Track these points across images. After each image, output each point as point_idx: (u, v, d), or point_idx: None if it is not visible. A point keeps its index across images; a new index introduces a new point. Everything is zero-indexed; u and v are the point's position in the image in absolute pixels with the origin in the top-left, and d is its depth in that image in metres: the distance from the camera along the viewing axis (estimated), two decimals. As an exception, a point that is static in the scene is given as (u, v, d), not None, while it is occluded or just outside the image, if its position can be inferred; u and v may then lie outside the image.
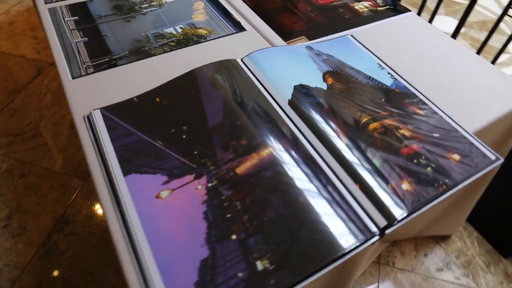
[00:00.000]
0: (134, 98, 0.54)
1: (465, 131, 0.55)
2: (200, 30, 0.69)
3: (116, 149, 0.48)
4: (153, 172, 0.46)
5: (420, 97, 0.60)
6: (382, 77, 0.63)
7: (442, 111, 0.58)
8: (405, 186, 0.46)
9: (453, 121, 0.57)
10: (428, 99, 0.60)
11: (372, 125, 0.53)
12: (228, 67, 0.58)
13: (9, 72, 1.52)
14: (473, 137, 0.54)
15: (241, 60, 0.61)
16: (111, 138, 0.49)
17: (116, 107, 0.53)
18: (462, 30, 1.79)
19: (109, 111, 0.53)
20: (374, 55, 0.67)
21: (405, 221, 0.43)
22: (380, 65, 0.65)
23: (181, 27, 0.69)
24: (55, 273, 1.00)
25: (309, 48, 0.66)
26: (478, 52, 1.04)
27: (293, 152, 0.47)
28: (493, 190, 0.97)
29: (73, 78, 0.59)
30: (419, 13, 1.13)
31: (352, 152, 0.48)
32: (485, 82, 0.65)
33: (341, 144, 0.49)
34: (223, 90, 0.54)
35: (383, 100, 0.58)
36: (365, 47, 0.69)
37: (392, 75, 0.63)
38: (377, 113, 0.55)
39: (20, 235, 1.08)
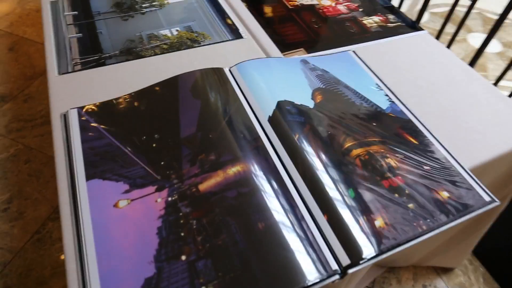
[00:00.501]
0: (113, 100, 0.53)
1: (461, 166, 0.51)
2: (195, 34, 0.67)
3: (85, 152, 0.47)
4: (116, 180, 0.45)
5: (417, 124, 0.56)
6: (378, 99, 0.59)
7: (439, 142, 0.54)
8: (379, 222, 0.42)
9: (449, 153, 0.52)
10: (425, 127, 0.56)
11: (356, 151, 0.50)
12: (212, 75, 0.56)
13: (29, 58, 1.56)
14: (468, 174, 0.50)
15: (229, 70, 0.59)
16: (82, 139, 0.48)
17: (93, 108, 0.52)
18: (502, 49, 1.70)
19: (86, 112, 0.52)
20: (374, 74, 0.64)
21: (374, 261, 0.40)
22: (378, 85, 0.62)
23: (177, 30, 0.68)
24: (45, 261, 1.01)
25: (304, 61, 0.63)
26: (500, 79, 0.98)
27: (262, 173, 0.45)
28: (503, 225, 0.91)
29: (59, 74, 0.58)
30: (438, 35, 1.07)
31: (326, 179, 0.45)
32: (494, 114, 0.60)
33: (316, 168, 0.46)
34: (202, 100, 0.52)
35: (374, 124, 0.54)
36: (366, 65, 0.65)
37: (389, 98, 0.60)
38: (364, 137, 0.52)
39: (17, 220, 1.10)
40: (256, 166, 0.45)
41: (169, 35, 0.67)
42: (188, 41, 0.66)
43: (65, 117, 0.51)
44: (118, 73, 0.59)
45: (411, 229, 0.43)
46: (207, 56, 0.64)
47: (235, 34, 0.69)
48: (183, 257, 0.39)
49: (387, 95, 0.60)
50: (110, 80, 0.58)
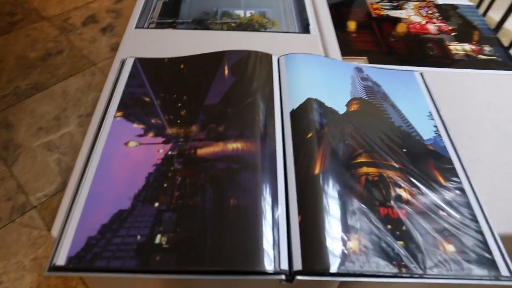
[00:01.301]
0: (165, 59, 0.59)
1: (489, 226, 0.44)
2: (265, 20, 0.69)
3: (124, 94, 0.54)
4: (137, 123, 0.50)
5: (457, 165, 0.50)
6: (423, 128, 0.54)
7: (474, 193, 0.47)
8: (352, 244, 0.40)
9: (481, 209, 0.45)
10: (465, 172, 0.49)
11: (366, 169, 0.47)
12: (258, 59, 0.58)
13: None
14: (494, 237, 0.43)
15: (277, 58, 0.60)
16: (127, 83, 0.55)
17: (148, 61, 0.59)
18: None
19: (140, 62, 0.58)
20: (433, 102, 0.58)
21: (328, 279, 0.38)
22: (431, 114, 0.56)
23: (251, 12, 0.71)
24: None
25: (358, 69, 0.60)
26: None
27: (258, 158, 0.45)
28: None
29: (135, 27, 0.67)
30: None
31: (317, 183, 0.44)
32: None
33: (312, 169, 0.45)
34: (237, 78, 0.55)
35: (404, 150, 0.50)
36: (428, 90, 0.60)
37: (437, 130, 0.54)
38: (384, 160, 0.48)
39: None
40: (256, 150, 0.46)
41: (242, 15, 0.70)
42: (256, 24, 0.69)
43: (123, 63, 0.59)
44: (182, 38, 0.65)
45: (386, 266, 0.39)
46: (267, 42, 0.65)
47: (304, 28, 0.69)
48: (156, 204, 0.42)
49: (436, 126, 0.54)
50: (174, 42, 0.64)
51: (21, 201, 1.11)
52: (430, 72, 0.64)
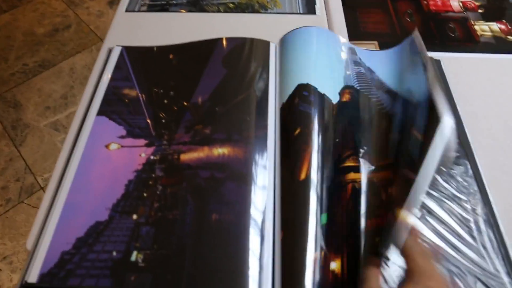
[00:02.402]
0: (154, 48, 0.54)
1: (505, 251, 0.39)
2: (266, 0, 0.63)
3: (108, 89, 0.50)
4: (119, 123, 0.47)
5: (469, 169, 0.44)
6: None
7: (493, 218, 0.41)
8: (336, 265, 0.36)
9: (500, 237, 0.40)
10: (482, 180, 0.43)
11: (353, 175, 0.41)
12: (254, 48, 0.52)
13: None
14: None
15: (275, 46, 0.54)
16: (112, 77, 0.51)
17: (135, 50, 0.54)
18: None
19: (127, 52, 0.54)
20: (449, 93, 0.52)
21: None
22: (445, 108, 0.50)
23: (251, -9, 0.64)
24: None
25: (352, 51, 0.53)
26: None
27: (245, 165, 0.41)
28: None
29: (126, 10, 0.61)
30: None
31: (303, 192, 0.39)
32: None
33: (296, 175, 0.40)
34: (229, 71, 0.50)
35: (401, 146, 0.45)
36: (445, 80, 0.53)
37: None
38: (375, 161, 0.42)
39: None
40: (244, 156, 0.42)
41: (241, -6, 0.64)
42: (257, 4, 0.62)
43: (109, 52, 0.55)
44: (175, 22, 0.60)
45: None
46: (266, 25, 0.59)
47: (309, 8, 0.62)
48: (134, 216, 0.39)
49: (450, 122, 0.48)
50: (166, 27, 0.59)
51: (29, 182, 1.12)
52: (449, 58, 0.57)
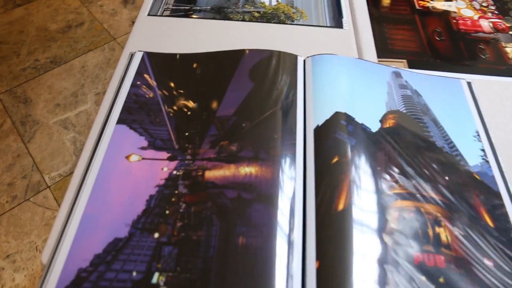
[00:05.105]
0: (177, 55, 0.53)
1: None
2: (292, 10, 0.61)
3: (128, 96, 0.48)
4: (140, 133, 0.45)
5: (507, 204, 0.42)
6: (468, 150, 0.46)
7: None
8: None
9: None
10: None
11: (401, 202, 0.40)
12: (282, 61, 0.51)
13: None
14: None
15: (304, 60, 0.52)
16: (133, 83, 0.50)
17: (158, 56, 0.53)
18: None
19: (149, 58, 0.52)
20: (482, 119, 0.50)
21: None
22: (478, 134, 0.48)
23: (277, 1, 0.63)
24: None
25: (397, 74, 0.52)
26: None
27: (274, 187, 0.40)
28: None
29: (148, 14, 0.60)
30: None
31: (342, 222, 0.38)
32: None
33: (337, 206, 0.39)
34: (256, 84, 0.48)
35: (446, 178, 0.43)
36: (477, 105, 0.51)
37: (485, 155, 0.46)
38: (422, 190, 0.42)
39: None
40: (272, 177, 0.40)
41: (267, 4, 0.62)
42: (282, 15, 0.61)
43: (131, 57, 0.53)
44: (199, 29, 0.58)
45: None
46: (292, 37, 0.58)
47: (336, 22, 0.61)
48: (156, 235, 0.37)
49: (483, 150, 0.47)
50: (189, 33, 0.58)
51: (36, 180, 1.11)
52: (480, 80, 0.55)
